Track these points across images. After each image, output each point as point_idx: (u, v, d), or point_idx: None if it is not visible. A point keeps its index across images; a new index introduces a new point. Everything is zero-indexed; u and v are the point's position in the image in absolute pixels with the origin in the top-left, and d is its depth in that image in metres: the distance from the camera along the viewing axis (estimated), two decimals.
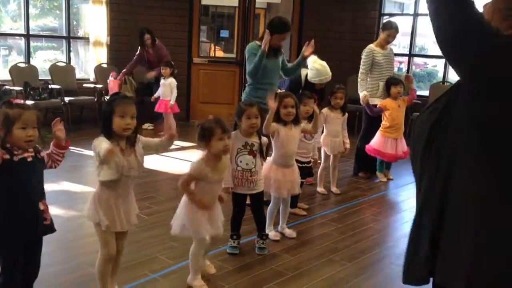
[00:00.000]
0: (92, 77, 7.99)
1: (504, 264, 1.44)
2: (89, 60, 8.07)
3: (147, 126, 7.53)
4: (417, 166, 1.61)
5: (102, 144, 2.28)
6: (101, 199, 2.46)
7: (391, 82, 5.21)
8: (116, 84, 7.38)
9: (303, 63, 4.61)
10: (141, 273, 3.02)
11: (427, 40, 9.51)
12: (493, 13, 1.49)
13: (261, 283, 3.00)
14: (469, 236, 1.47)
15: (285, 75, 4.58)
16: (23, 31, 7.44)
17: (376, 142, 5.28)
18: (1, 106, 2.22)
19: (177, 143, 6.07)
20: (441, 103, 1.54)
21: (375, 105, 5.27)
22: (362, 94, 5.29)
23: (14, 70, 7.08)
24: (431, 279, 1.61)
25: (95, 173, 2.48)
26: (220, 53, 9.86)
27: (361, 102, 5.33)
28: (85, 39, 8.10)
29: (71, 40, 8.00)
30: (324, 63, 4.97)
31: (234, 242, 3.37)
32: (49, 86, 7.12)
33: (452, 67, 1.53)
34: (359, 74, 5.39)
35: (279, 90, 4.67)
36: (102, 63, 7.93)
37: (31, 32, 7.52)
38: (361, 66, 5.38)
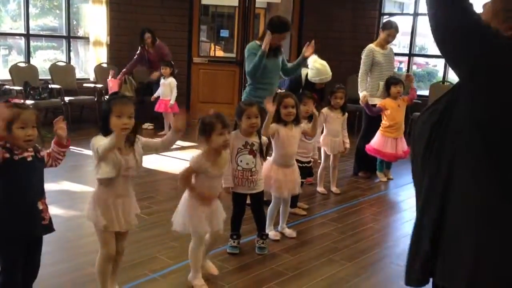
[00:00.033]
0: (92, 76, 7.99)
1: (504, 264, 1.44)
2: (89, 59, 8.07)
3: (147, 125, 7.53)
4: (418, 166, 1.61)
5: (101, 141, 2.29)
6: (100, 198, 2.46)
7: (391, 81, 5.21)
8: (116, 83, 7.37)
9: (303, 63, 4.61)
10: (141, 273, 3.02)
11: (427, 39, 9.50)
12: (493, 15, 1.49)
13: (261, 282, 3.00)
14: (469, 236, 1.47)
15: (284, 75, 4.58)
16: (23, 31, 7.44)
17: (376, 141, 5.28)
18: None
19: (177, 142, 6.05)
20: (442, 104, 1.54)
21: (374, 105, 5.27)
22: (361, 94, 5.29)
23: (14, 69, 7.08)
24: (431, 279, 1.61)
25: (94, 172, 2.48)
26: (220, 53, 9.85)
27: (360, 102, 5.33)
28: (85, 38, 8.10)
29: (71, 39, 8.00)
30: (325, 62, 4.97)
31: (234, 242, 3.37)
32: (49, 86, 7.12)
33: (451, 68, 1.53)
34: (359, 74, 5.39)
35: (279, 90, 4.67)
36: (102, 63, 7.93)
37: (31, 32, 7.52)
38: (361, 66, 5.38)
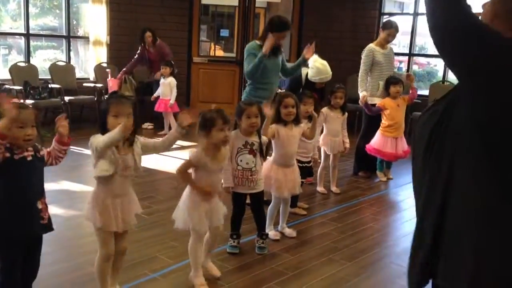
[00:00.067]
0: (92, 76, 7.98)
1: (504, 264, 1.44)
2: (89, 59, 8.07)
3: (147, 125, 7.53)
4: (418, 167, 1.61)
5: (100, 138, 2.30)
6: (99, 198, 2.46)
7: (391, 81, 5.21)
8: (116, 83, 7.37)
9: (303, 64, 4.61)
10: (141, 272, 3.02)
11: (427, 39, 9.50)
12: (493, 16, 1.49)
13: (261, 282, 3.00)
14: (470, 236, 1.47)
15: (283, 75, 4.56)
16: (23, 30, 7.44)
17: (376, 141, 5.28)
18: None
19: (177, 142, 6.06)
20: (442, 106, 1.54)
21: (374, 104, 5.26)
22: (361, 94, 5.29)
23: (14, 69, 7.07)
24: (431, 280, 1.61)
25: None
26: (220, 53, 9.85)
27: (359, 102, 5.33)
28: (85, 38, 8.10)
29: (71, 39, 7.99)
30: (325, 62, 4.97)
31: (234, 242, 3.37)
32: (49, 86, 7.12)
33: (450, 68, 1.53)
34: (359, 74, 5.39)
35: (279, 90, 4.67)
36: (102, 63, 7.93)
37: (31, 32, 7.52)
38: (361, 65, 5.37)
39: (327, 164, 4.91)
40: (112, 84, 7.35)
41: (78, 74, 7.99)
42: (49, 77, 7.43)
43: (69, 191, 4.53)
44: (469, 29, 1.43)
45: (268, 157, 3.65)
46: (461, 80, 1.49)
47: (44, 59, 8.36)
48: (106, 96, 3.21)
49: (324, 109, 4.74)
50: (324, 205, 4.60)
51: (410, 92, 5.31)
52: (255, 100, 3.64)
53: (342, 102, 4.75)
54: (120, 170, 2.40)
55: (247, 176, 3.22)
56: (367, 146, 5.33)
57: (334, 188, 4.94)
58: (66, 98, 7.22)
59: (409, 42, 8.38)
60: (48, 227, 2.37)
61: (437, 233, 1.53)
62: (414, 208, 1.68)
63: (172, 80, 7.05)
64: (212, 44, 9.82)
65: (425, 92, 8.07)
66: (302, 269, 3.20)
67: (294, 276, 3.11)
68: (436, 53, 1.54)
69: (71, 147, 2.49)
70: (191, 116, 2.62)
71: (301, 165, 3.97)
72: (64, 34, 7.90)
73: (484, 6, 1.55)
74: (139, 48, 7.53)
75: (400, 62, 9.18)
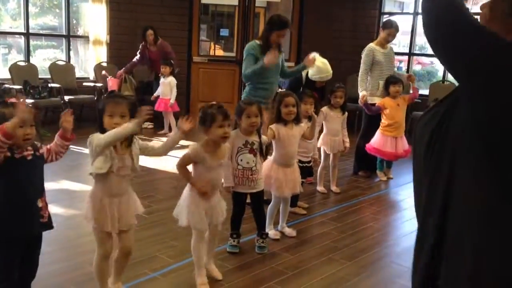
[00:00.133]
0: (91, 76, 7.98)
1: (504, 264, 1.44)
2: (89, 58, 8.06)
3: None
4: (419, 167, 1.61)
5: (101, 136, 2.31)
6: (96, 197, 2.46)
7: (391, 81, 5.20)
8: (116, 82, 7.37)
9: (303, 70, 4.64)
10: (141, 271, 3.02)
11: None
12: (492, 17, 1.49)
13: (261, 282, 3.00)
14: (471, 237, 1.46)
15: (282, 77, 4.55)
16: (22, 30, 7.44)
17: (376, 140, 5.27)
18: None
19: None
20: (443, 107, 1.54)
21: (374, 104, 5.26)
22: (361, 94, 5.29)
23: (13, 68, 7.07)
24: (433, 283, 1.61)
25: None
26: (220, 52, 9.84)
27: (359, 102, 5.33)
28: (85, 37, 8.09)
29: (70, 38, 7.99)
30: (325, 60, 4.97)
31: (234, 241, 3.37)
32: (49, 85, 7.13)
33: (446, 68, 1.53)
34: (359, 74, 5.38)
35: (280, 89, 4.66)
36: (102, 62, 7.92)
37: (30, 31, 7.51)
38: (361, 65, 5.37)
39: (327, 164, 4.90)
40: (112, 83, 7.34)
41: (78, 73, 7.98)
42: (49, 76, 7.43)
43: (68, 190, 4.53)
44: (466, 29, 1.43)
45: (268, 156, 3.65)
46: (459, 80, 1.49)
47: (44, 58, 8.36)
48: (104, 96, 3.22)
49: (324, 109, 4.73)
50: (324, 205, 4.59)
51: (411, 92, 5.30)
52: (255, 99, 3.63)
53: (342, 102, 4.75)
54: (115, 169, 2.39)
55: (247, 176, 3.22)
56: (367, 145, 5.33)
57: (334, 188, 4.93)
58: (66, 98, 7.22)
59: (409, 41, 8.38)
60: (48, 225, 2.38)
61: (439, 234, 1.53)
62: (413, 208, 1.68)
63: (172, 80, 7.05)
64: (212, 44, 9.80)
65: (425, 91, 8.07)
66: (302, 269, 3.20)
67: (294, 275, 3.10)
68: None
69: (71, 146, 2.50)
70: (190, 122, 2.61)
71: (301, 165, 3.97)
72: (64, 33, 7.90)
73: (482, 8, 1.55)
74: (140, 46, 7.51)
75: (400, 61, 9.18)
